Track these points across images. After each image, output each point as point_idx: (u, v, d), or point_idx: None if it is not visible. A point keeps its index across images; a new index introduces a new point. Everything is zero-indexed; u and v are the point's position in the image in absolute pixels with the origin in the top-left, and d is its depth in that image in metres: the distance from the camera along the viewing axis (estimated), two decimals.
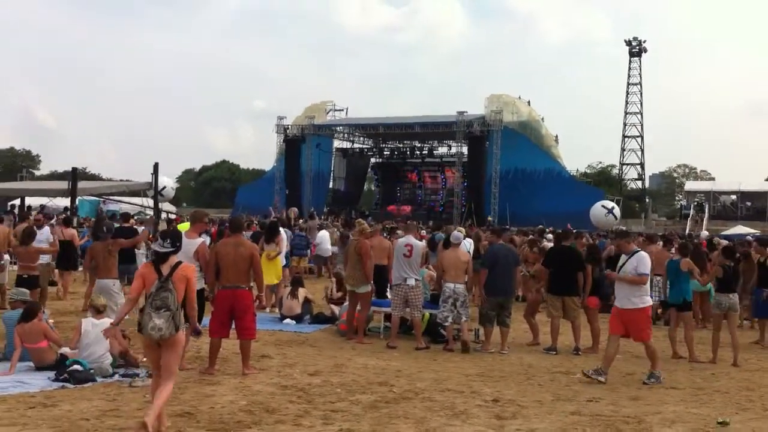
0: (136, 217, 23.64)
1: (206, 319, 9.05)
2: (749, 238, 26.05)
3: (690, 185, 70.43)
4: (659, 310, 14.75)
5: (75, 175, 23.88)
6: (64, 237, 15.07)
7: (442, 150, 55.06)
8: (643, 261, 9.19)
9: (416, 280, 11.30)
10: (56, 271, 15.74)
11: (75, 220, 21.29)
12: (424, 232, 23.16)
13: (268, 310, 13.59)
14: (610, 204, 40.91)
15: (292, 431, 6.45)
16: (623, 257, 9.44)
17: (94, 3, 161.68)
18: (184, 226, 12.10)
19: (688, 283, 11.25)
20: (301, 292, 13.53)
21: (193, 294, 6.43)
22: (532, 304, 12.51)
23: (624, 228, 35.43)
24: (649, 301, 9.33)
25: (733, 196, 59.28)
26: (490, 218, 41.65)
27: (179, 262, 6.33)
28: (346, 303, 12.37)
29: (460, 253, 11.52)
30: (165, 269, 6.23)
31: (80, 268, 17.06)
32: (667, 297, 11.68)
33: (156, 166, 26.47)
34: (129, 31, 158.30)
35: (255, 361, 9.14)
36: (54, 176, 67.04)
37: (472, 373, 9.36)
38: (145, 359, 9.04)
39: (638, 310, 9.15)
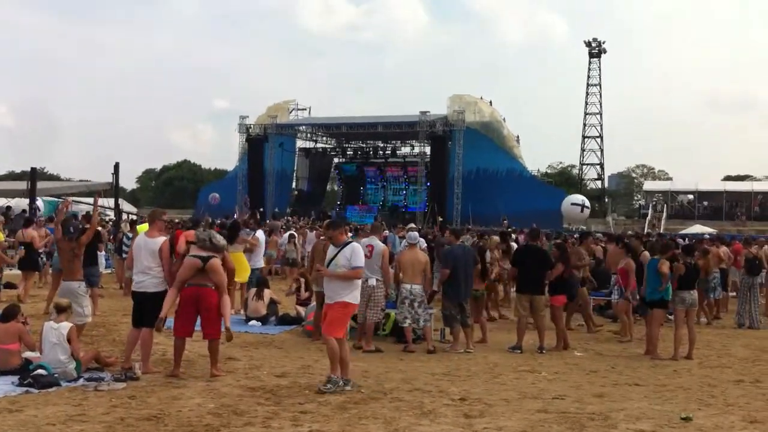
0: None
1: (170, 320, 8.97)
2: (706, 236, 26.63)
3: (648, 185, 71.49)
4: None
5: (34, 175, 23.60)
6: (24, 238, 14.77)
7: (405, 150, 55.24)
8: (357, 253, 8.39)
9: (377, 280, 11.19)
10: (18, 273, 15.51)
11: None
12: (386, 233, 23.15)
13: (233, 311, 13.48)
14: (579, 199, 41.35)
15: None
16: (332, 249, 8.57)
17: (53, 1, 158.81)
18: (144, 228, 11.95)
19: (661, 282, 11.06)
20: (267, 294, 13.48)
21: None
22: (483, 302, 12.53)
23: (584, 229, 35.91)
24: (357, 298, 8.51)
25: (690, 196, 60.33)
26: (440, 219, 41.60)
27: None
28: (313, 304, 12.36)
29: (418, 254, 11.55)
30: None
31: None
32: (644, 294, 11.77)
33: (116, 166, 26.23)
34: (88, 30, 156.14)
35: (221, 363, 9.08)
36: (11, 177, 65.81)
37: (438, 372, 9.42)
38: (112, 359, 9.03)
39: (341, 304, 8.28)
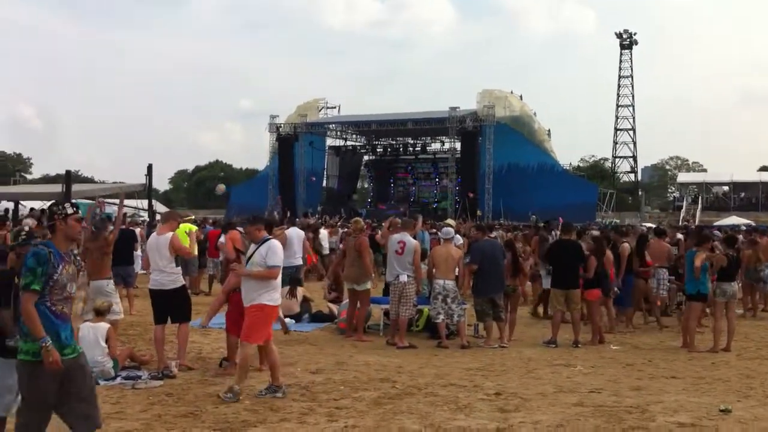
0: (129, 219, 23.55)
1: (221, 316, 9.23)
2: (743, 227, 26.25)
3: (682, 177, 70.74)
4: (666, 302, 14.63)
5: (69, 178, 23.77)
6: None
7: (435, 146, 55.19)
8: (273, 251, 7.69)
9: (409, 276, 11.14)
10: None
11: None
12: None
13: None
14: None
15: (297, 429, 6.46)
16: (252, 246, 7.96)
17: (83, 5, 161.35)
18: (185, 227, 12.01)
19: (704, 275, 10.93)
20: (300, 291, 13.51)
21: None
22: (516, 299, 12.39)
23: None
24: (277, 300, 7.78)
25: (726, 187, 59.53)
26: (479, 212, 41.67)
27: None
28: (346, 301, 12.37)
29: (451, 249, 11.50)
30: None
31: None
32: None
33: (150, 168, 26.42)
34: (117, 33, 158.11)
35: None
36: (46, 179, 66.87)
37: (473, 367, 9.39)
38: (146, 357, 9.13)
39: (257, 307, 7.59)
